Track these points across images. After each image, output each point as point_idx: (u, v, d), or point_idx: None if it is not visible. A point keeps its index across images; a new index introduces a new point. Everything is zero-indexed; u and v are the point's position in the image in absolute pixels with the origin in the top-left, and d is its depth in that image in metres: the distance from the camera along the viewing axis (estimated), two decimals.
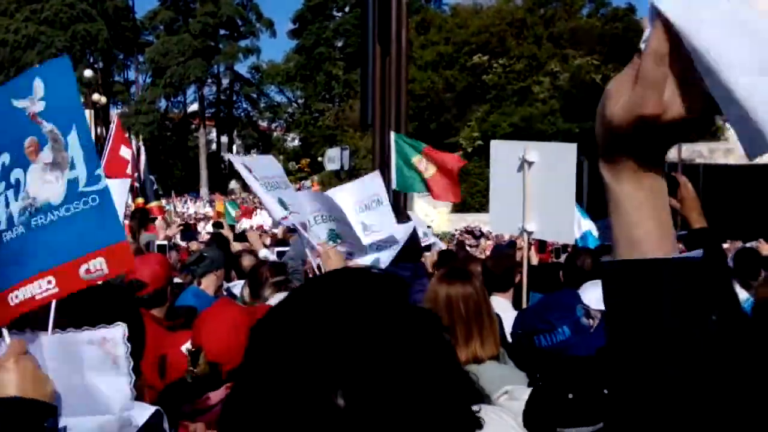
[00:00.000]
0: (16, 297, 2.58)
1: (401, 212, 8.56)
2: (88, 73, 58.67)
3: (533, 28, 67.62)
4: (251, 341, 1.45)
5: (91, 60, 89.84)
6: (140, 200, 15.74)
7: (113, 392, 2.54)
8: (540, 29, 67.49)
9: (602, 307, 4.86)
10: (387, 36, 16.87)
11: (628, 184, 1.45)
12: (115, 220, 2.63)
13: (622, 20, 67.80)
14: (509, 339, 4.95)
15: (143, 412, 2.90)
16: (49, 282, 2.55)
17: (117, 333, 2.56)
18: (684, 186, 3.56)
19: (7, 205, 2.65)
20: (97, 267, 2.53)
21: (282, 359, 1.32)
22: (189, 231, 20.89)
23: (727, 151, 49.86)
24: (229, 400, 1.45)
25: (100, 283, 2.79)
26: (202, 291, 7.94)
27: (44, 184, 2.59)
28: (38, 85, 2.59)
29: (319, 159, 76.76)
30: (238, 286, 8.30)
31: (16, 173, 2.66)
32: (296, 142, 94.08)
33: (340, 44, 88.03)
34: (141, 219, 13.22)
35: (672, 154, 54.52)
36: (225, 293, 8.29)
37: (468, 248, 21.74)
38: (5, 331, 2.55)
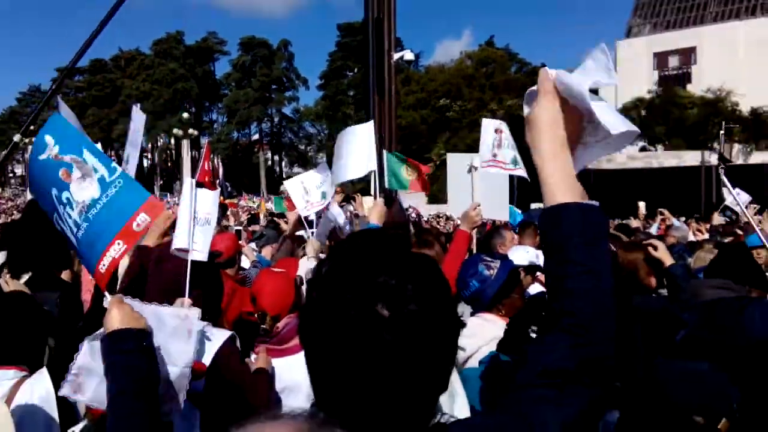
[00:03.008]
0: (103, 265, 2.53)
1: (393, 200, 8.09)
2: (185, 115, 59.76)
3: (479, 80, 73.48)
4: (318, 273, 1.43)
5: (187, 106, 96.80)
6: (221, 198, 15.49)
7: (181, 353, 2.42)
8: (484, 81, 73.50)
9: (522, 263, 4.72)
10: (382, 88, 16.82)
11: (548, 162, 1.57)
12: (138, 188, 2.53)
13: (537, 74, 70.05)
14: None
15: (222, 334, 2.89)
16: (119, 244, 2.51)
17: (195, 314, 2.48)
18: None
19: (70, 216, 2.56)
20: (143, 219, 2.48)
21: (343, 284, 1.33)
22: (254, 219, 19.19)
23: (609, 159, 50.09)
24: (304, 317, 1.40)
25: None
26: (262, 257, 8.05)
27: (84, 191, 2.53)
28: (48, 139, 2.52)
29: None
30: None
31: (65, 195, 2.58)
32: (323, 159, 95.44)
33: (351, 93, 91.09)
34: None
35: None
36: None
37: (438, 227, 21.01)
38: (107, 294, 2.50)
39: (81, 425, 2.57)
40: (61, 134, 2.58)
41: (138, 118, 5.33)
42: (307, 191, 6.96)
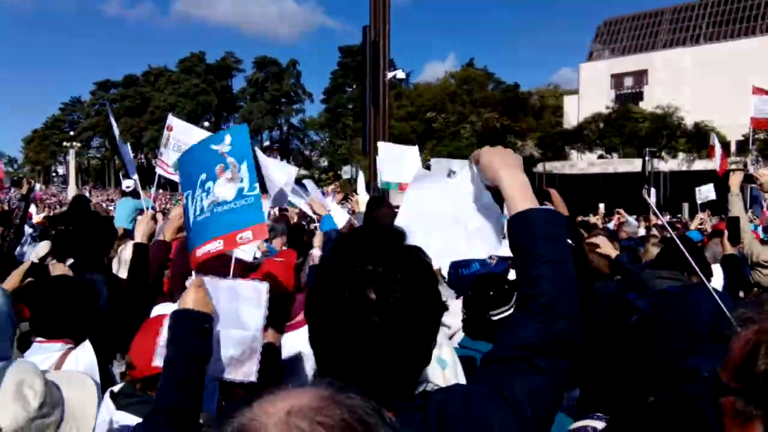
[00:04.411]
0: (201, 251, 2.53)
1: (384, 200, 8.20)
2: (206, 124, 59.65)
3: (461, 96, 72.79)
4: (321, 263, 1.46)
5: (208, 116, 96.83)
6: None
7: (253, 318, 2.45)
8: (465, 96, 72.70)
9: (502, 255, 4.31)
10: (377, 102, 16.71)
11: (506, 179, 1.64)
12: (259, 211, 2.55)
13: (511, 91, 75.35)
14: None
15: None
16: (219, 242, 2.51)
17: (264, 287, 2.49)
18: (553, 194, 3.30)
19: (202, 200, 2.59)
20: (246, 236, 2.48)
21: (338, 271, 1.34)
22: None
23: (572, 165, 50.31)
24: (309, 297, 1.41)
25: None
26: (272, 247, 7.72)
27: (224, 189, 2.55)
28: (227, 138, 2.58)
29: (339, 172, 78.48)
30: None
31: (209, 184, 2.61)
32: (325, 163, 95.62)
33: (350, 106, 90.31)
34: None
35: (539, 168, 54.63)
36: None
37: None
38: (194, 273, 2.50)
39: (118, 386, 2.61)
40: (238, 141, 2.61)
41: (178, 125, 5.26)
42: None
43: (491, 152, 1.72)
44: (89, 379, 2.14)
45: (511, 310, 3.25)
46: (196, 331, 2.16)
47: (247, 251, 3.50)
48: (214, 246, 2.55)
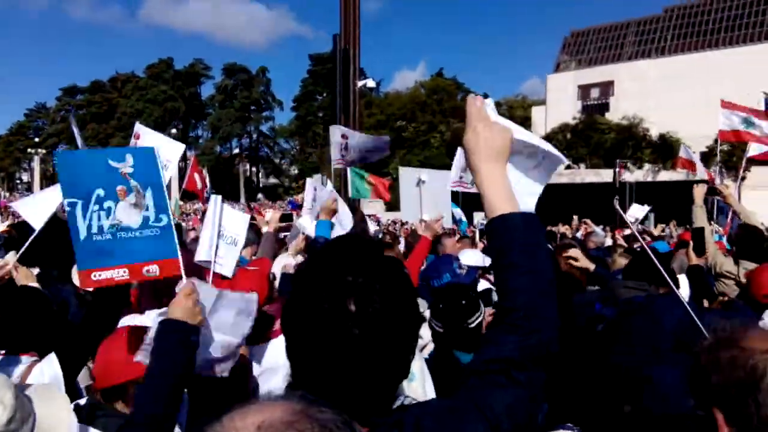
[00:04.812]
0: (99, 275, 2.44)
1: (356, 209, 7.62)
2: (173, 131, 59.20)
3: (431, 105, 73.21)
4: (298, 272, 1.45)
5: (176, 123, 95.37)
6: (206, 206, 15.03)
7: (241, 327, 2.46)
8: (435, 106, 73.25)
9: (472, 263, 4.64)
10: (347, 111, 16.51)
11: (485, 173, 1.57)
12: (170, 244, 2.47)
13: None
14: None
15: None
16: (124, 272, 2.43)
17: (254, 297, 2.51)
18: None
19: (99, 218, 2.49)
20: (153, 270, 2.41)
21: (317, 282, 1.33)
22: None
23: (559, 175, 50.45)
24: (286, 308, 1.40)
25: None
26: (243, 257, 7.03)
27: (127, 215, 2.46)
28: (129, 157, 2.49)
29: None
30: None
31: (109, 203, 2.50)
32: (296, 171, 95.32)
33: (321, 114, 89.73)
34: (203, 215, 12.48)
35: None
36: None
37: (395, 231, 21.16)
38: (184, 277, 2.47)
39: (84, 400, 2.58)
40: (143, 165, 2.54)
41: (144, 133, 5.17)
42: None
43: (477, 135, 1.61)
44: (60, 393, 2.07)
45: (482, 315, 3.32)
46: (183, 345, 2.13)
47: (227, 266, 3.47)
48: (119, 274, 2.47)
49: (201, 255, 3.31)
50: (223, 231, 3.41)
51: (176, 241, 2.58)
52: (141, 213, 2.49)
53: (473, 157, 1.61)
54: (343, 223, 5.65)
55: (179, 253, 2.62)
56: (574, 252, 5.13)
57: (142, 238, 2.49)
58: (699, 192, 6.49)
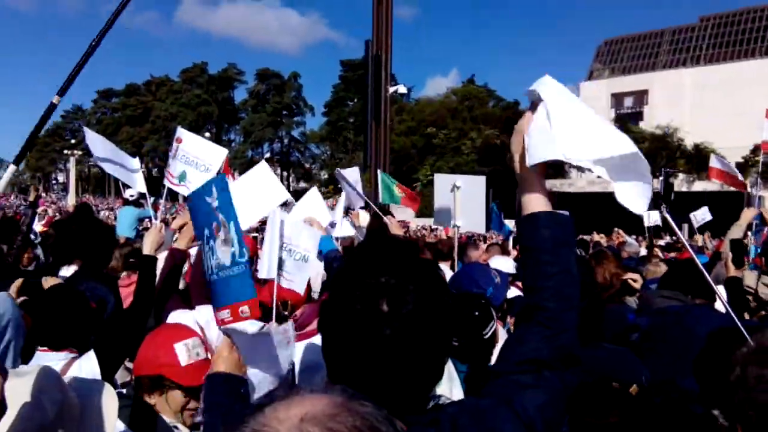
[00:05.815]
0: (218, 316, 2.47)
1: (387, 213, 8.01)
2: (207, 135, 59.12)
3: (462, 112, 73.19)
4: (335, 274, 1.46)
5: (209, 127, 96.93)
6: None
7: (284, 358, 2.37)
8: (466, 113, 73.07)
9: (503, 270, 4.66)
10: (378, 116, 16.79)
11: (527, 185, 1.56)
12: (248, 285, 2.44)
13: (511, 109, 74.37)
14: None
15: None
16: (227, 312, 2.44)
17: (290, 326, 2.43)
18: None
19: (210, 259, 2.53)
20: (245, 312, 2.40)
21: (352, 283, 1.34)
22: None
23: (570, 184, 50.13)
24: (323, 308, 1.41)
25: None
26: None
27: (221, 253, 2.46)
28: (214, 190, 2.47)
29: (339, 186, 76.50)
30: None
31: (212, 243, 2.52)
32: (326, 176, 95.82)
33: (352, 120, 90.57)
34: None
35: None
36: None
37: (425, 238, 20.93)
38: (220, 330, 2.41)
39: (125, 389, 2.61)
40: (222, 195, 2.48)
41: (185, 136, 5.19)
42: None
43: (520, 138, 1.61)
44: (109, 387, 2.03)
45: (495, 325, 3.25)
46: (232, 396, 2.14)
47: (297, 284, 3.33)
48: (226, 315, 2.49)
49: (262, 273, 3.11)
50: (289, 245, 3.20)
51: (250, 277, 2.51)
52: (230, 249, 2.48)
53: (515, 159, 1.63)
54: (332, 224, 5.78)
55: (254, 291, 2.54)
56: (634, 275, 5.11)
57: (234, 277, 2.48)
58: (747, 216, 6.53)
